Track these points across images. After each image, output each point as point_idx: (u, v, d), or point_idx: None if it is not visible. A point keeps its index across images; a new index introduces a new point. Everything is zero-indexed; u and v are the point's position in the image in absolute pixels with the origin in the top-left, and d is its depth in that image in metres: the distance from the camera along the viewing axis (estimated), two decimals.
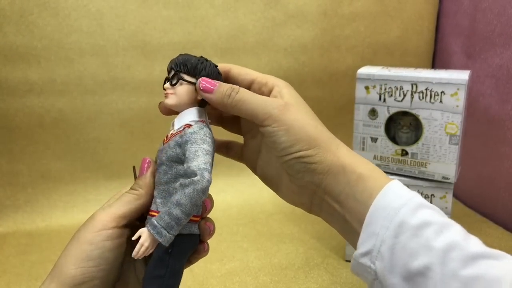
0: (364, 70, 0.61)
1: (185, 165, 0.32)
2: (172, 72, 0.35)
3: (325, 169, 0.35)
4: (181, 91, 0.35)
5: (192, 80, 0.35)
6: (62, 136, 0.84)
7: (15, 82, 0.80)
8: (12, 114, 0.81)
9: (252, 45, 0.89)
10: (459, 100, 0.56)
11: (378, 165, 0.63)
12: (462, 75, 0.56)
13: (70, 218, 0.81)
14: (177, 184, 0.32)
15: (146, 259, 0.35)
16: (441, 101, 0.57)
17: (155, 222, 0.31)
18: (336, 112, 0.96)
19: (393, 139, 0.62)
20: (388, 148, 0.62)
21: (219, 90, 0.35)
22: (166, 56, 0.85)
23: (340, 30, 0.93)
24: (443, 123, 0.57)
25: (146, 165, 0.37)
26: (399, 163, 0.62)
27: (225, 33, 0.87)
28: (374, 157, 0.63)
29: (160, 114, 0.40)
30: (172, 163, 0.34)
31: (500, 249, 0.30)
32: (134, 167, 0.39)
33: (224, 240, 0.73)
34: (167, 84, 0.35)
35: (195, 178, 0.31)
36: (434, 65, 1.00)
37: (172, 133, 0.35)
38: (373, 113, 0.61)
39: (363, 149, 0.63)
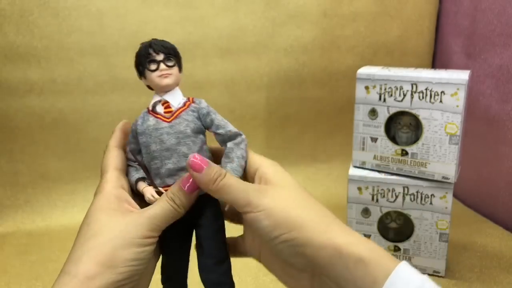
0: (364, 70, 0.61)
1: (222, 130, 0.37)
2: (162, 56, 0.38)
3: (315, 252, 0.32)
4: (176, 72, 0.38)
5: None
6: (62, 136, 0.84)
7: (15, 82, 0.80)
8: (12, 114, 0.81)
9: (252, 45, 0.89)
10: (459, 100, 0.56)
11: (378, 165, 0.63)
12: (462, 75, 0.56)
13: (70, 218, 0.81)
14: (230, 144, 0.37)
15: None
16: (441, 101, 0.57)
17: (238, 168, 0.36)
18: (336, 112, 0.96)
19: (393, 139, 0.62)
20: (388, 148, 0.62)
21: (207, 172, 0.33)
22: None
23: (340, 30, 0.93)
24: (443, 123, 0.57)
25: (197, 187, 0.34)
26: (399, 163, 0.62)
27: (225, 33, 0.87)
28: (374, 157, 0.63)
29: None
30: (197, 134, 0.37)
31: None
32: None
33: None
34: (164, 66, 0.38)
35: (243, 136, 0.38)
36: (434, 65, 1.00)
37: (177, 109, 0.37)
38: (373, 113, 0.61)
39: (363, 149, 0.63)
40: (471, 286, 0.61)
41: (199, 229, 0.37)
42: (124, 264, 0.32)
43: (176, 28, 0.85)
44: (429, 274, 0.63)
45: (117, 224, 0.33)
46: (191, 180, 0.34)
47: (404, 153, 0.61)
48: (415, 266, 0.66)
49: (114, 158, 0.37)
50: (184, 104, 0.38)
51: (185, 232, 0.37)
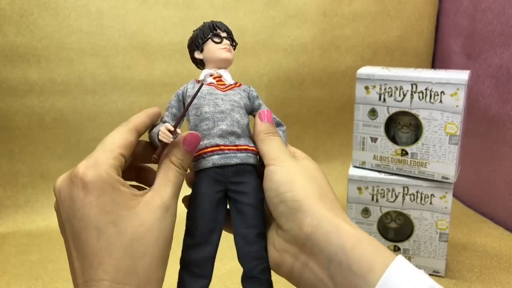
0: (364, 70, 0.61)
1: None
2: (226, 34, 0.39)
3: (314, 222, 0.31)
4: (233, 53, 0.39)
5: None
6: (62, 136, 0.84)
7: (15, 82, 0.80)
8: (12, 114, 0.81)
9: (252, 45, 0.89)
10: (459, 100, 0.56)
11: (378, 165, 0.63)
12: (462, 75, 0.56)
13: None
14: (281, 127, 0.39)
15: None
16: (441, 101, 0.57)
17: (284, 139, 0.38)
18: (336, 112, 0.96)
19: (393, 139, 0.62)
20: (388, 148, 0.62)
21: (269, 124, 0.38)
22: (166, 56, 0.85)
23: (340, 30, 0.93)
24: (443, 123, 0.57)
25: (198, 143, 0.34)
26: (399, 163, 0.62)
27: None
28: (374, 157, 0.63)
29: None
30: (246, 111, 0.38)
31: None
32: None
33: (224, 240, 0.73)
34: (227, 41, 0.39)
35: (284, 127, 0.40)
36: (434, 65, 1.00)
37: (230, 84, 0.38)
38: (373, 113, 0.61)
39: (363, 149, 0.64)
40: (471, 286, 0.61)
41: (243, 197, 0.35)
42: (168, 257, 0.32)
43: (176, 28, 0.85)
44: (429, 274, 0.63)
45: (148, 221, 0.30)
46: (195, 139, 0.34)
47: (404, 153, 0.61)
48: (415, 266, 0.65)
49: (122, 139, 0.33)
50: (235, 83, 0.39)
51: (222, 197, 0.35)
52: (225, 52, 0.38)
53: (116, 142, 0.32)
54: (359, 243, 0.29)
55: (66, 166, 0.84)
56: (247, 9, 0.88)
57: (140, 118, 0.35)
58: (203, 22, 0.39)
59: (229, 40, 0.39)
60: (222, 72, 0.38)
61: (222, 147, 0.35)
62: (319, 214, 0.31)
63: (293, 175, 0.34)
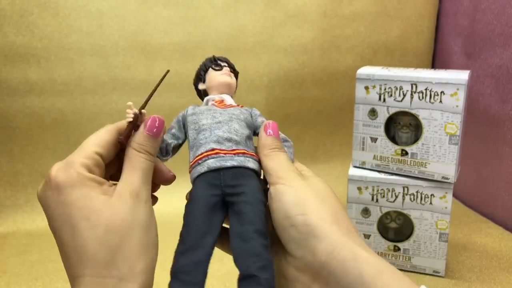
0: (364, 70, 0.61)
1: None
2: (226, 64, 0.41)
3: (329, 249, 0.29)
4: (234, 81, 0.41)
5: None
6: (62, 136, 0.84)
7: (15, 82, 0.80)
8: (12, 114, 0.81)
9: (252, 45, 0.89)
10: (459, 100, 0.56)
11: (378, 165, 0.63)
12: (462, 75, 0.56)
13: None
14: (287, 143, 0.38)
15: None
16: (441, 101, 0.57)
17: (291, 156, 0.37)
18: (336, 112, 0.96)
19: (393, 139, 0.62)
20: (388, 148, 0.62)
21: (274, 138, 0.35)
22: (166, 56, 0.85)
23: (340, 30, 0.93)
24: (443, 123, 0.57)
25: (163, 127, 0.34)
26: (399, 163, 0.62)
27: (225, 33, 0.87)
28: (374, 157, 0.63)
29: (159, 115, 0.39)
30: (246, 125, 0.37)
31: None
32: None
33: None
34: (227, 68, 0.40)
35: (291, 142, 0.38)
36: (434, 65, 1.00)
37: (230, 104, 0.38)
38: (373, 113, 0.61)
39: (363, 149, 0.63)
40: (471, 286, 0.61)
41: (240, 196, 0.32)
42: (154, 247, 0.31)
43: (176, 28, 0.85)
44: (429, 274, 0.63)
45: (121, 211, 0.30)
46: (157, 123, 0.33)
47: (404, 153, 0.61)
48: (415, 266, 0.66)
49: (99, 138, 0.33)
50: (237, 105, 0.39)
51: (218, 202, 0.32)
52: (225, 76, 0.39)
53: (92, 141, 0.33)
54: (380, 273, 0.27)
55: None
56: (247, 9, 0.88)
57: (123, 121, 0.35)
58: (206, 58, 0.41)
59: (230, 68, 0.40)
60: (224, 96, 0.39)
61: (218, 151, 0.33)
62: (334, 240, 0.29)
63: (303, 196, 0.31)
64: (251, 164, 0.34)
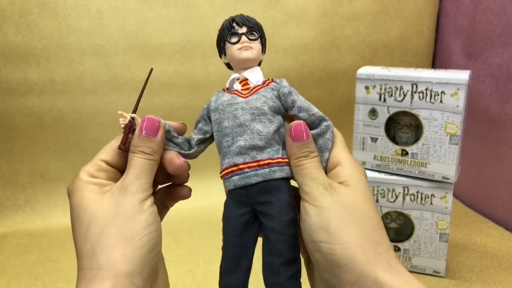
0: (364, 70, 0.61)
1: (304, 113, 0.35)
2: (245, 29, 0.36)
3: (354, 279, 0.28)
4: (257, 47, 0.36)
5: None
6: (62, 136, 0.84)
7: (15, 82, 0.80)
8: (12, 114, 0.81)
9: None
10: (459, 100, 0.56)
11: (378, 165, 0.63)
12: (462, 75, 0.56)
13: (70, 218, 0.81)
14: (314, 132, 0.34)
15: None
16: (441, 101, 0.57)
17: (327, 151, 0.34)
18: (336, 112, 0.96)
19: (393, 139, 0.62)
20: (388, 148, 0.62)
21: (302, 145, 0.33)
22: (166, 56, 0.85)
23: (340, 30, 0.93)
24: (443, 123, 0.57)
25: (157, 126, 0.34)
26: (399, 163, 0.62)
27: None
28: (374, 157, 0.63)
29: (160, 114, 0.39)
30: (275, 114, 0.34)
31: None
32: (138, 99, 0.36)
33: None
34: (246, 38, 0.35)
35: (328, 122, 0.35)
36: (434, 65, 1.00)
37: (255, 86, 0.35)
38: (373, 113, 0.61)
39: (363, 149, 0.63)
40: (471, 286, 0.61)
41: (266, 219, 0.32)
42: (139, 235, 0.30)
43: (176, 28, 0.85)
44: (429, 275, 0.63)
45: (106, 204, 0.31)
46: (145, 123, 0.34)
47: (404, 153, 0.61)
48: (415, 266, 0.66)
49: (107, 147, 0.35)
50: (264, 82, 0.35)
51: (250, 218, 0.33)
52: (243, 52, 0.35)
53: (101, 150, 0.36)
54: None
55: (65, 166, 0.84)
56: (247, 9, 0.88)
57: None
58: (225, 20, 0.37)
59: (250, 35, 0.36)
60: (247, 74, 0.35)
61: (241, 166, 0.33)
62: (359, 269, 0.28)
63: (327, 219, 0.30)
64: (278, 173, 0.33)
